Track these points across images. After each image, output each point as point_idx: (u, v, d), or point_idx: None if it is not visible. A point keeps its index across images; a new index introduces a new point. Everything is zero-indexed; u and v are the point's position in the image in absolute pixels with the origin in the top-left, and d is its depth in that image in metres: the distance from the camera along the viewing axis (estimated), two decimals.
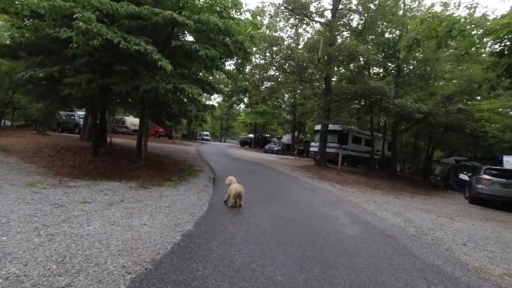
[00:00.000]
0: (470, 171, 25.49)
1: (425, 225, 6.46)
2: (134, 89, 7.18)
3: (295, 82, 20.39)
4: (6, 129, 20.92)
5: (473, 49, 10.45)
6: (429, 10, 15.94)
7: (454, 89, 19.47)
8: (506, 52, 8.73)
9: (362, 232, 5.20)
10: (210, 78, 13.16)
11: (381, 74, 22.89)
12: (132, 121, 37.15)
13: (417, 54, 20.70)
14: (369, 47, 16.80)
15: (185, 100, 8.77)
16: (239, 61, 11.97)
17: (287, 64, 19.97)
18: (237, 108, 53.72)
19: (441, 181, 24.20)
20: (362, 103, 21.06)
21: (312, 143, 26.01)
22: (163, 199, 5.85)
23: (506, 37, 8.36)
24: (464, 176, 27.62)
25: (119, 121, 38.76)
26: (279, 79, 20.72)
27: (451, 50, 22.61)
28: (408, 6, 22.03)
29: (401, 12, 21.07)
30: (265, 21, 21.30)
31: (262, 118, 33.83)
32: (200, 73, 10.48)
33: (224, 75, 12.74)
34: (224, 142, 56.98)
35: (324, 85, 20.81)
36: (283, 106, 40.76)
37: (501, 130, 25.02)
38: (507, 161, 18.87)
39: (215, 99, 45.81)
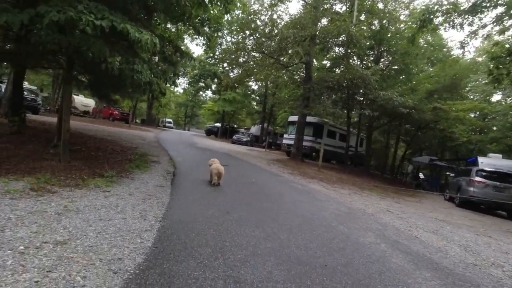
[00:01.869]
0: (446, 171, 25.15)
1: (484, 253, 4.32)
2: (32, 21, 4.05)
3: (272, 66, 17.81)
4: None
5: None
6: None
7: (437, 85, 18.32)
8: None
9: None
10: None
11: (362, 66, 21.17)
12: (82, 100, 32.16)
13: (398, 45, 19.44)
14: (363, 27, 14.67)
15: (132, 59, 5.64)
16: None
17: (265, 44, 17.29)
18: (204, 95, 50.11)
19: (412, 180, 23.38)
20: (344, 95, 19.10)
21: (285, 135, 23.72)
22: (63, 220, 2.92)
23: None
24: (421, 175, 27.62)
25: None
26: (256, 60, 17.90)
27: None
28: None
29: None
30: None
31: (231, 106, 30.86)
32: (161, 25, 7.40)
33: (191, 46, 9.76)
34: (189, 130, 52.97)
35: (304, 72, 18.51)
36: (253, 96, 38.14)
37: (467, 132, 24.92)
38: (481, 162, 18.04)
39: (180, 84, 41.83)
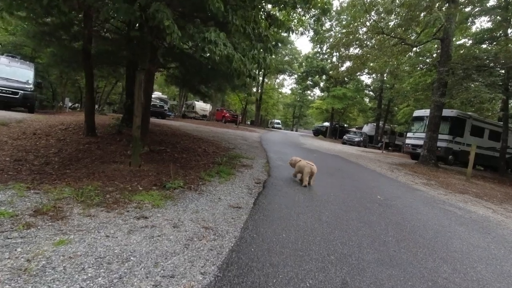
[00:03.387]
0: None
1: None
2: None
3: (392, 50, 14.07)
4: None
5: None
6: None
7: None
8: None
9: None
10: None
11: None
12: (202, 106, 35.13)
13: None
14: None
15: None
16: None
17: (385, 21, 13.79)
18: (312, 94, 47.85)
19: None
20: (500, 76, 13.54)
21: (408, 134, 19.01)
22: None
23: None
24: None
25: (189, 106, 37.21)
26: (371, 44, 14.52)
27: None
28: None
29: None
30: None
31: (341, 103, 27.48)
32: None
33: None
34: (296, 131, 51.72)
35: (439, 51, 14.00)
36: (366, 91, 33.48)
37: None
38: None
39: (288, 85, 40.88)
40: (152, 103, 22.56)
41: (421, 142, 16.71)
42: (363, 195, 5.19)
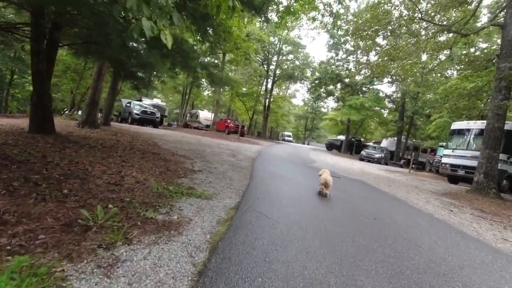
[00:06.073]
0: None
1: None
2: None
3: (433, 38, 10.50)
4: None
5: None
6: None
7: None
8: None
9: None
10: None
11: None
12: (206, 115, 32.19)
13: None
14: None
15: None
16: None
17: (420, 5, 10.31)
18: (325, 106, 44.21)
19: None
20: None
21: (446, 151, 15.05)
22: None
23: None
24: None
25: (193, 115, 34.34)
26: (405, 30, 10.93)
27: None
28: None
29: None
30: None
31: (359, 114, 23.75)
32: None
33: None
34: (308, 144, 47.79)
35: (500, 40, 10.37)
36: (385, 101, 29.59)
37: None
38: None
39: (300, 96, 37.50)
40: (142, 109, 19.85)
41: (463, 162, 13.11)
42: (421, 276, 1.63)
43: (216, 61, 23.03)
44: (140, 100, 24.07)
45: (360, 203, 5.18)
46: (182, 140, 11.80)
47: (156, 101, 27.39)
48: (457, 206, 6.80)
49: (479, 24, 13.39)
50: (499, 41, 10.68)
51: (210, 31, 7.61)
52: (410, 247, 3.14)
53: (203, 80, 12.67)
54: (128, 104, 20.76)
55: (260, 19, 12.85)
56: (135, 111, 19.18)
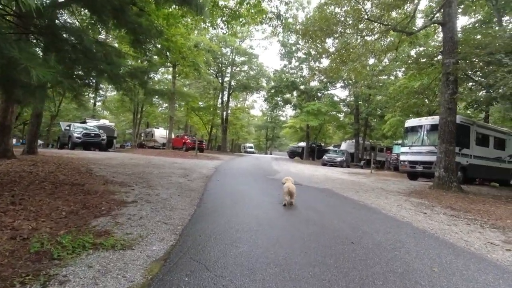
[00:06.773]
0: None
1: None
2: None
3: (380, 38, 10.48)
4: None
5: None
6: None
7: None
8: None
9: None
10: None
11: None
12: (162, 133, 30.17)
13: None
14: None
15: None
16: None
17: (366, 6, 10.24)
18: (284, 114, 44.41)
19: None
20: None
21: (403, 149, 15.22)
22: None
23: None
24: None
25: (148, 134, 32.06)
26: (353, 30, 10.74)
27: None
28: None
29: None
30: None
31: (317, 119, 23.79)
32: None
33: None
34: (271, 154, 47.41)
35: (442, 37, 10.61)
36: (341, 105, 30.25)
37: None
38: None
39: (258, 106, 37.23)
40: (84, 132, 17.63)
41: (420, 158, 13.21)
42: None
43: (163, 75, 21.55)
44: (84, 122, 21.65)
45: (331, 223, 4.29)
46: (129, 163, 10.26)
47: (104, 122, 24.91)
48: (428, 207, 6.31)
49: (418, 26, 13.89)
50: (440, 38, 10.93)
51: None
52: None
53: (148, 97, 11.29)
54: (68, 128, 18.40)
55: (204, 24, 11.99)
56: (75, 135, 16.98)
